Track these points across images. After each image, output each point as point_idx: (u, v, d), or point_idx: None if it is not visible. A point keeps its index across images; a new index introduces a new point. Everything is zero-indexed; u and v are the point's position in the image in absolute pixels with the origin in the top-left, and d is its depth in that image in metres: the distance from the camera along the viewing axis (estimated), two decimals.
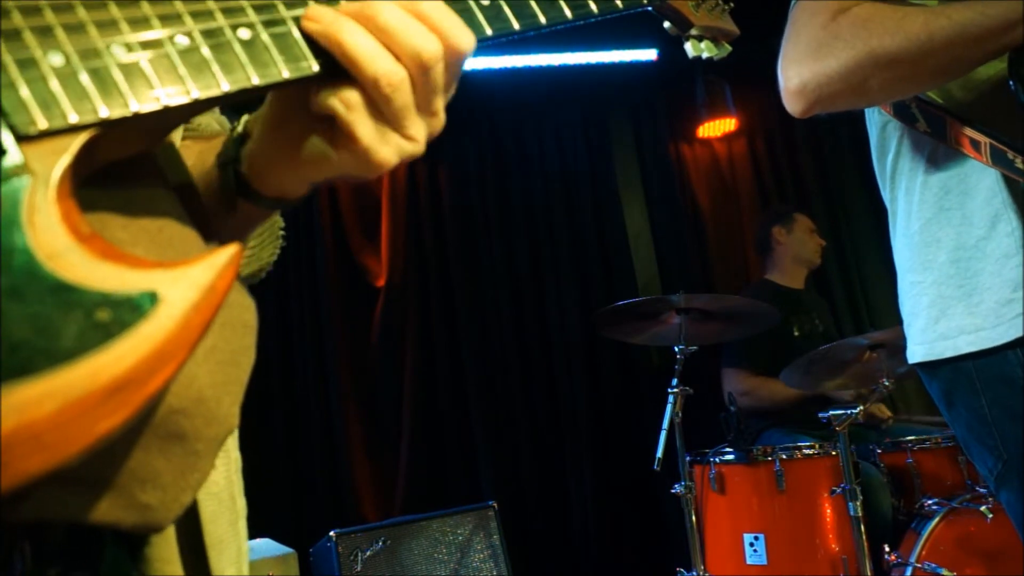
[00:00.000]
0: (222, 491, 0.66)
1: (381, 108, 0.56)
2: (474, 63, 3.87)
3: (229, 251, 0.45)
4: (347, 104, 0.55)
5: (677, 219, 4.39)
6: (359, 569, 2.75)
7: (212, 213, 0.69)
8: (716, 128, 4.48)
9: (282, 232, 0.87)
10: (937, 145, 1.27)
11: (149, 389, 0.41)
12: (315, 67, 0.55)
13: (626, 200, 4.35)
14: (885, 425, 3.18)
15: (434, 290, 3.99)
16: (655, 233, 4.36)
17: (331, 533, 2.77)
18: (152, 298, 0.42)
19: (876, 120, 1.40)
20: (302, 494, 3.60)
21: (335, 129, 0.57)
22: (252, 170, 0.64)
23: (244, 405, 0.55)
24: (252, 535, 3.05)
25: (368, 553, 2.77)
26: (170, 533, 0.60)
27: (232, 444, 0.70)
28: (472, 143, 4.15)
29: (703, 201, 4.50)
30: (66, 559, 0.52)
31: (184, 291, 0.42)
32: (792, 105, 1.22)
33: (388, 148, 0.57)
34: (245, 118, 0.66)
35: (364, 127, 0.56)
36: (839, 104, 1.21)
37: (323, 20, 0.55)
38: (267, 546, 2.72)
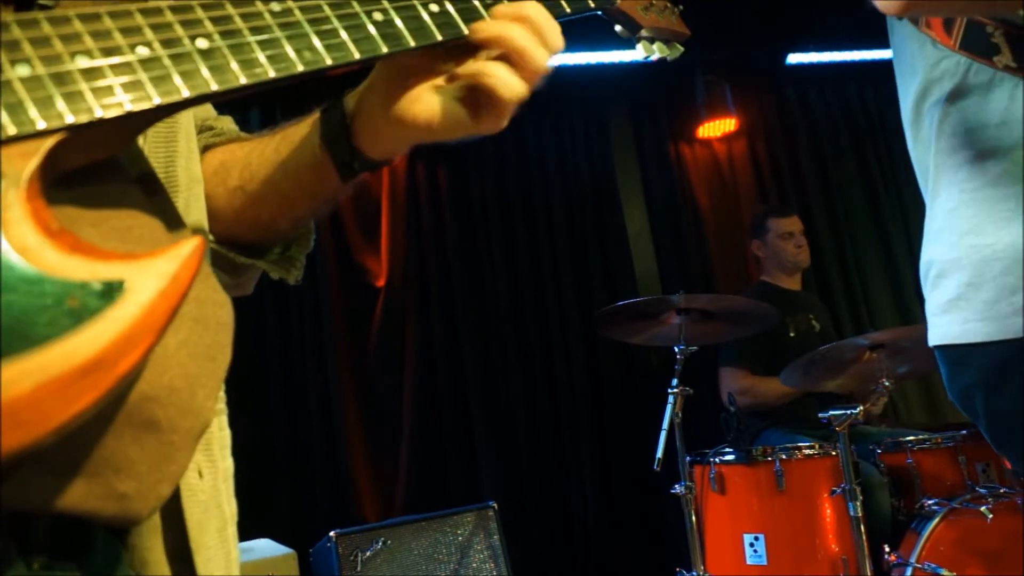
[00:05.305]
0: (208, 499, 0.69)
1: (520, 73, 0.70)
2: None
3: (192, 243, 0.48)
4: (488, 71, 0.69)
5: (677, 219, 4.39)
6: (359, 569, 2.75)
7: (312, 191, 0.79)
8: (716, 128, 4.47)
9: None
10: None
11: (120, 370, 0.44)
12: (465, 31, 0.70)
13: (626, 200, 4.35)
14: (879, 425, 3.17)
15: (434, 290, 3.98)
16: (655, 233, 4.36)
17: (331, 533, 2.77)
18: (119, 286, 0.45)
19: (930, 55, 1.27)
20: (302, 494, 3.60)
21: (474, 98, 0.70)
22: (363, 140, 0.75)
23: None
24: (252, 535, 3.03)
25: (368, 553, 2.77)
26: (157, 537, 0.63)
27: (220, 453, 0.73)
28: (472, 143, 4.11)
29: (703, 201, 4.50)
30: (50, 552, 0.53)
31: (150, 280, 0.45)
32: (889, 3, 1.12)
33: (507, 116, 0.71)
34: (341, 100, 0.77)
35: (508, 88, 0.69)
36: (941, 5, 1.13)
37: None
38: (267, 546, 2.71)
